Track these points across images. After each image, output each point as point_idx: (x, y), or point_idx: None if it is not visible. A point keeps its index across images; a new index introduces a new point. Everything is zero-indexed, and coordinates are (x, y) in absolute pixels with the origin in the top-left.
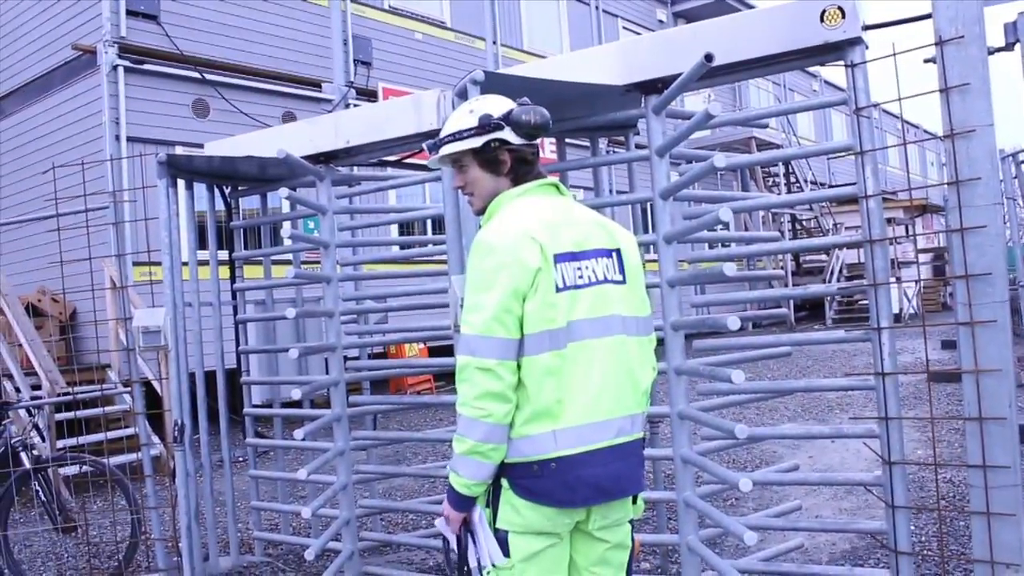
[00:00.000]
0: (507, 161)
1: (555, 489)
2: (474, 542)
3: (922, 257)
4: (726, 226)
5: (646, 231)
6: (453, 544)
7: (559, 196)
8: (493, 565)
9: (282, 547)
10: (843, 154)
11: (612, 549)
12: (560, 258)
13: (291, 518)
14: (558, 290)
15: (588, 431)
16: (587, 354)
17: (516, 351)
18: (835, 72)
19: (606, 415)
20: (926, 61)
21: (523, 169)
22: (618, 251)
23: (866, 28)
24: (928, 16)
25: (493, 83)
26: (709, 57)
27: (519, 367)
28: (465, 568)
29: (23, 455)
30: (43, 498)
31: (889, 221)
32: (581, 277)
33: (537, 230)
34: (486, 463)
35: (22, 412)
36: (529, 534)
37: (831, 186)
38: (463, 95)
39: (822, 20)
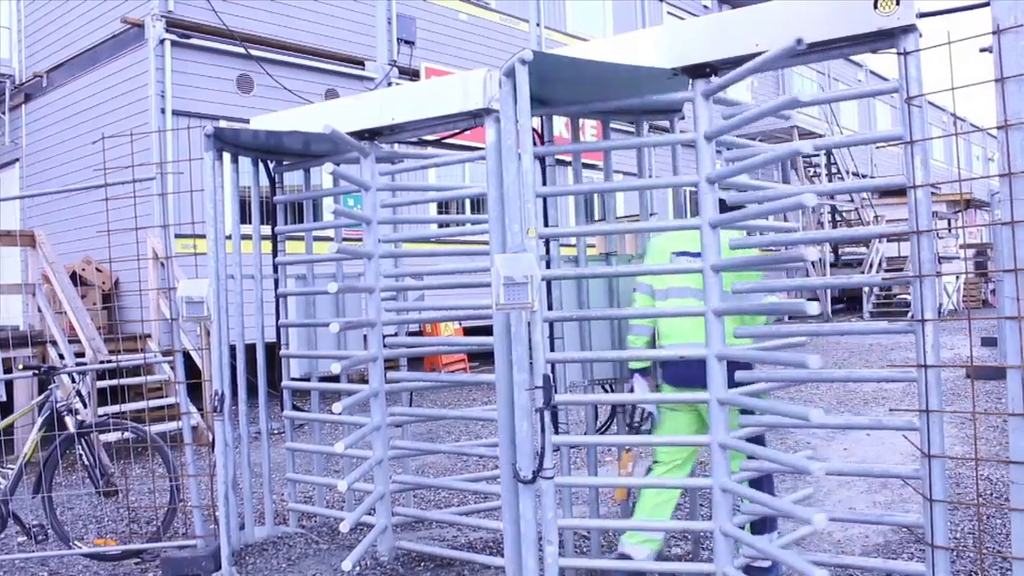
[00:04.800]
0: None
1: (672, 376)
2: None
3: (964, 253)
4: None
5: (683, 215)
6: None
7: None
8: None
9: (316, 519)
10: (889, 144)
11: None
12: (677, 254)
13: (325, 491)
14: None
15: (684, 348)
16: (679, 306)
17: (652, 293)
18: (880, 62)
19: (691, 341)
20: (982, 50)
21: None
22: (699, 254)
23: (921, 16)
24: (986, 4)
25: (541, 63)
26: (800, 41)
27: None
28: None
29: (68, 419)
30: (86, 462)
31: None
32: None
33: (664, 240)
34: (639, 348)
35: (65, 378)
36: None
37: (872, 179)
38: (510, 74)
39: (876, 7)
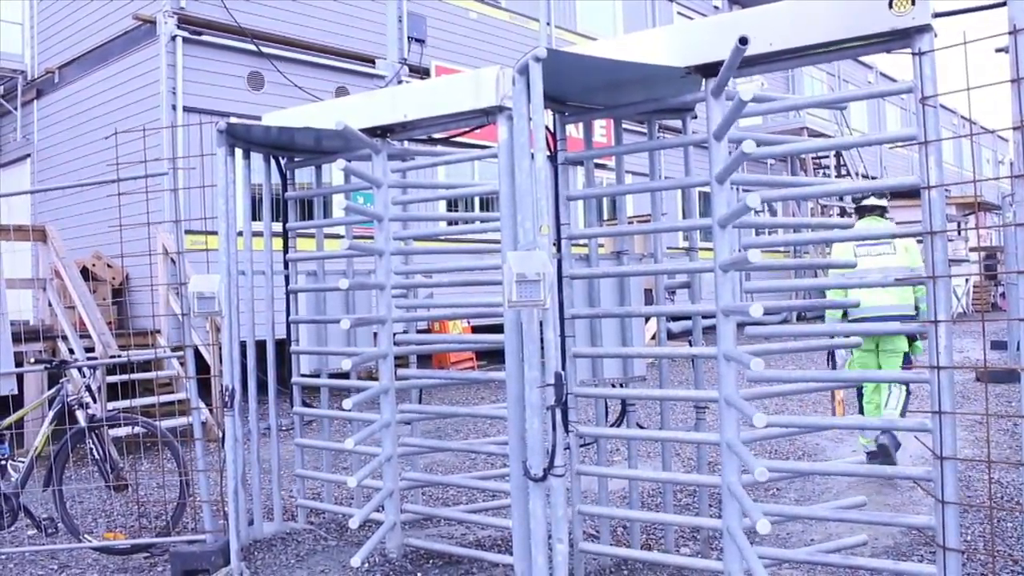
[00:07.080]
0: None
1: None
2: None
3: (973, 256)
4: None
5: (688, 216)
6: None
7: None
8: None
9: (324, 515)
10: (900, 145)
11: (888, 357)
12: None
13: (334, 487)
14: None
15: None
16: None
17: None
18: (890, 63)
19: (876, 305)
20: (998, 50)
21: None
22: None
23: (936, 16)
24: (1002, 4)
25: (555, 61)
26: (744, 40)
27: None
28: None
29: (78, 413)
30: (96, 456)
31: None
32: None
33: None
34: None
35: (76, 372)
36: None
37: (884, 180)
38: (524, 72)
39: (891, 6)
